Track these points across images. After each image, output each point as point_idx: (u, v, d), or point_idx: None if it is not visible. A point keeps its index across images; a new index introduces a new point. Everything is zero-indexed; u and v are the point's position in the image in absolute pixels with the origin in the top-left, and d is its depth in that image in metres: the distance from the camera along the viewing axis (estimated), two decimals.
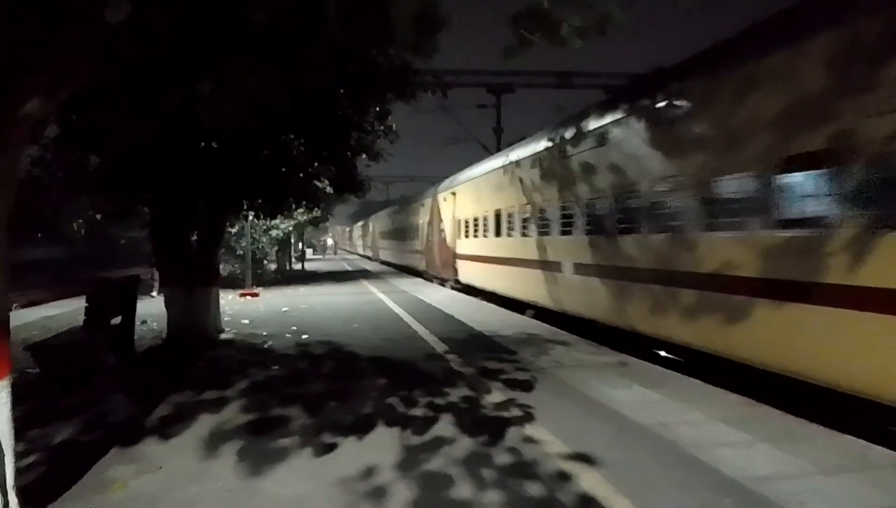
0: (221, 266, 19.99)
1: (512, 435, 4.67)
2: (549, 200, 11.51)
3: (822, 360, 5.49)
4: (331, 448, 4.48)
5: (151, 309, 11.32)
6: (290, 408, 5.46)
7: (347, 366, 7.38)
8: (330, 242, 70.76)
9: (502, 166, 14.36)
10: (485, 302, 14.44)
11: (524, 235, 12.82)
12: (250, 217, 14.70)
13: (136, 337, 8.39)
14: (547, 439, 4.57)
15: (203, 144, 7.97)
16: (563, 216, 10.80)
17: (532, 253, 12.25)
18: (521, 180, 13.02)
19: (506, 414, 5.22)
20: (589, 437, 4.58)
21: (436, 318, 11.52)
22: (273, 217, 12.86)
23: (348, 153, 9.28)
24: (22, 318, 11.61)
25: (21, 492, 3.27)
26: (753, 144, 6.26)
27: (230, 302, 14.47)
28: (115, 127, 6.22)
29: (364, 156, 9.83)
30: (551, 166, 11.44)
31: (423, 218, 24.43)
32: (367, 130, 9.27)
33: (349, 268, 34.13)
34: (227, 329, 10.07)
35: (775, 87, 6.02)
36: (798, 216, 5.80)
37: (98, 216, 10.27)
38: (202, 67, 4.95)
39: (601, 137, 9.42)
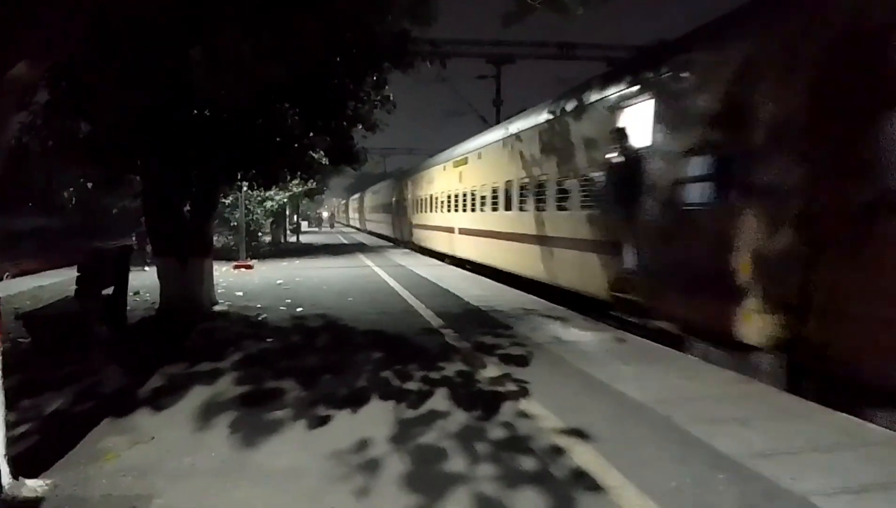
0: (215, 238, 19.94)
1: (506, 410, 4.66)
2: (483, 184, 15.64)
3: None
4: (325, 420, 4.46)
5: (145, 280, 11.25)
6: (283, 381, 5.43)
7: (342, 339, 7.35)
8: (325, 214, 69.55)
9: (458, 157, 18.31)
10: (482, 277, 14.41)
11: (474, 210, 16.58)
12: (244, 188, 14.56)
13: (128, 308, 8.34)
14: (541, 413, 4.56)
15: (196, 112, 7.83)
16: (494, 197, 14.83)
17: (481, 225, 15.98)
18: (476, 168, 16.61)
19: (501, 389, 5.21)
20: (584, 412, 4.57)
21: (432, 292, 11.49)
22: (268, 188, 12.76)
23: (344, 123, 9.12)
24: (14, 287, 11.56)
25: (12, 462, 3.25)
26: None
27: (224, 274, 14.41)
28: (105, 94, 6.10)
29: (360, 126, 9.68)
30: (492, 158, 15.24)
31: (402, 195, 28.87)
32: (363, 100, 9.11)
33: (345, 241, 34.05)
34: (220, 301, 10.02)
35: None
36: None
37: (89, 185, 10.08)
38: (194, 33, 4.84)
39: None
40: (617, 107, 8.74)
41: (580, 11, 3.63)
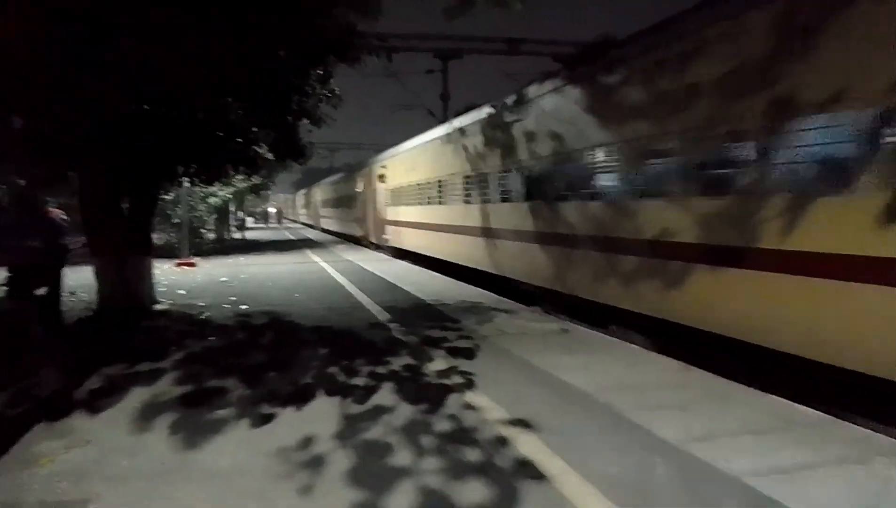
0: (156, 235, 19.35)
1: (453, 402, 4.70)
2: (432, 178, 16.18)
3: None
4: (269, 418, 4.40)
5: (82, 280, 10.83)
6: (227, 379, 5.33)
7: (288, 336, 7.26)
8: (272, 210, 67.49)
9: (413, 148, 18.41)
10: (430, 271, 14.43)
11: (429, 204, 16.56)
12: (185, 183, 14.16)
13: (66, 309, 8.01)
14: (487, 405, 4.61)
15: (134, 106, 7.56)
16: (443, 191, 15.16)
17: (434, 219, 15.96)
18: (426, 161, 16.84)
19: (447, 382, 5.24)
20: (528, 403, 4.65)
21: (380, 287, 11.45)
22: (210, 184, 12.43)
23: (289, 118, 8.98)
24: None
25: None
26: None
27: (166, 272, 14.01)
28: (40, 87, 5.84)
29: (306, 121, 9.54)
30: (435, 154, 15.83)
31: (359, 188, 26.88)
32: (308, 94, 8.98)
33: (292, 237, 33.55)
34: (162, 300, 9.73)
35: None
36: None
37: (22, 183, 9.62)
38: (138, 27, 4.68)
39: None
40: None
41: (518, 6, 3.67)
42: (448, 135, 14.55)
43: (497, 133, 11.74)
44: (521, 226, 10.58)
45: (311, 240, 30.02)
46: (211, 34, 5.58)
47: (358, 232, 27.15)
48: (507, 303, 9.54)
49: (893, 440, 3.86)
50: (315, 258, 18.40)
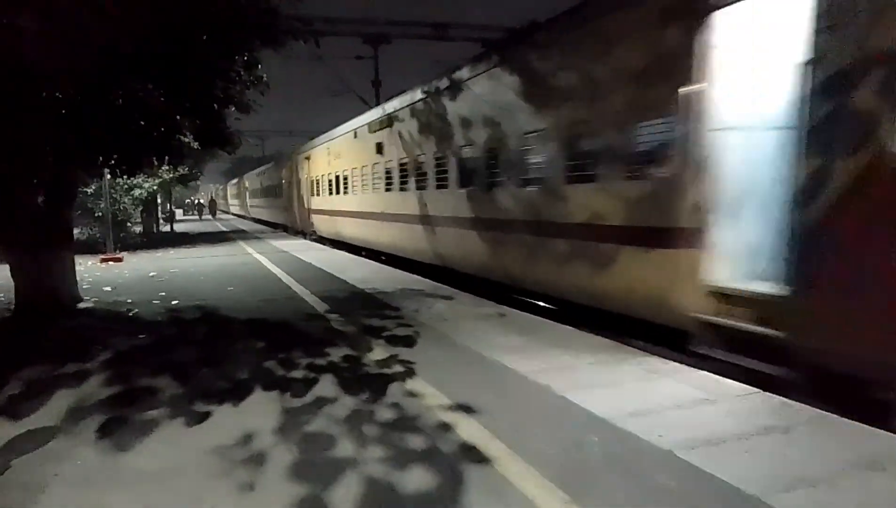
0: (79, 230, 18.43)
1: (394, 391, 4.69)
2: (344, 170, 18.25)
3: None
4: (204, 416, 4.27)
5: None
6: (158, 378, 5.13)
7: (221, 331, 7.06)
8: (205, 200, 64.28)
9: (327, 141, 20.29)
10: (367, 260, 14.33)
11: (345, 193, 18.36)
12: (107, 175, 13.51)
13: None
14: (428, 392, 4.62)
15: (42, 90, 7.11)
16: (360, 181, 16.76)
17: (350, 207, 17.71)
18: (344, 153, 18.48)
19: (388, 371, 5.22)
20: (469, 387, 4.68)
21: (316, 277, 11.28)
22: (132, 175, 11.88)
23: (214, 105, 8.64)
24: None
25: None
26: None
27: (90, 268, 13.38)
28: None
29: (232, 108, 9.21)
30: (346, 148, 17.97)
31: (284, 178, 28.86)
32: (234, 80, 8.67)
33: (224, 229, 32.62)
34: (86, 298, 9.29)
35: None
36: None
37: None
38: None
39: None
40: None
41: None
42: (355, 131, 17.20)
43: (375, 139, 15.16)
44: (398, 210, 13.78)
45: (243, 231, 29.27)
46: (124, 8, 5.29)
47: (284, 221, 28.53)
48: (444, 289, 9.57)
49: (812, 408, 4.08)
50: (249, 250, 17.96)
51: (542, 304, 8.73)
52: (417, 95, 12.33)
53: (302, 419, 4.16)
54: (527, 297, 8.97)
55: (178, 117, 8.21)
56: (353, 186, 17.62)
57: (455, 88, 10.66)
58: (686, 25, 5.72)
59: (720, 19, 5.49)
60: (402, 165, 13.39)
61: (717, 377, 4.86)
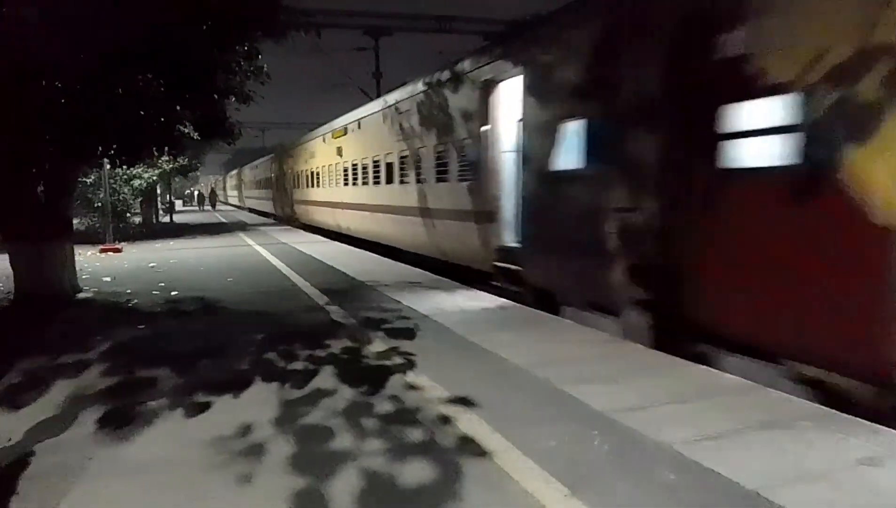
0: (78, 220, 18.40)
1: (393, 383, 4.68)
2: (320, 166, 21.66)
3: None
4: (204, 407, 4.27)
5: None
6: (158, 369, 5.13)
7: (221, 322, 7.06)
8: (205, 191, 63.46)
9: (306, 142, 23.83)
10: (368, 253, 14.32)
11: (319, 187, 22.22)
12: (106, 165, 13.48)
13: None
14: (428, 384, 4.62)
15: (44, 81, 7.08)
16: (327, 178, 20.73)
17: (328, 198, 20.88)
18: (317, 153, 22.38)
19: (387, 363, 5.22)
20: (468, 380, 4.68)
21: (316, 269, 11.27)
22: (131, 165, 11.84)
23: (215, 95, 8.61)
24: None
25: None
26: None
27: (89, 259, 13.38)
28: None
29: (233, 99, 9.19)
30: (322, 148, 21.30)
31: (274, 172, 32.90)
32: (234, 71, 8.64)
33: (224, 220, 32.60)
34: (86, 288, 9.29)
35: None
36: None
37: None
38: None
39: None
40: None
41: None
42: (323, 136, 21.23)
43: (336, 144, 19.25)
44: (352, 201, 17.94)
45: (243, 222, 29.26)
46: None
47: (273, 210, 33.00)
48: (444, 282, 9.57)
49: (813, 404, 4.08)
50: (249, 241, 17.95)
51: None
52: (353, 116, 17.64)
53: (301, 410, 4.15)
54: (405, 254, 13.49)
55: (178, 108, 8.19)
56: (322, 182, 21.73)
57: (370, 119, 15.89)
58: (485, 91, 9.60)
59: (500, 88, 9.36)
60: (353, 166, 17.61)
61: (714, 370, 4.86)
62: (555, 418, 3.95)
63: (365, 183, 16.34)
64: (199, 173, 44.10)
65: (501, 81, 9.21)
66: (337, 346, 5.79)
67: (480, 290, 8.80)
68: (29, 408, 4.33)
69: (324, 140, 21.09)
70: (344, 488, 3.08)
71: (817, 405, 4.03)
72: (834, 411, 3.93)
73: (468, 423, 3.87)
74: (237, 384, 4.70)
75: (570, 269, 7.50)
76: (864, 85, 4.19)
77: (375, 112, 15.31)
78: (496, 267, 9.32)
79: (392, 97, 14.21)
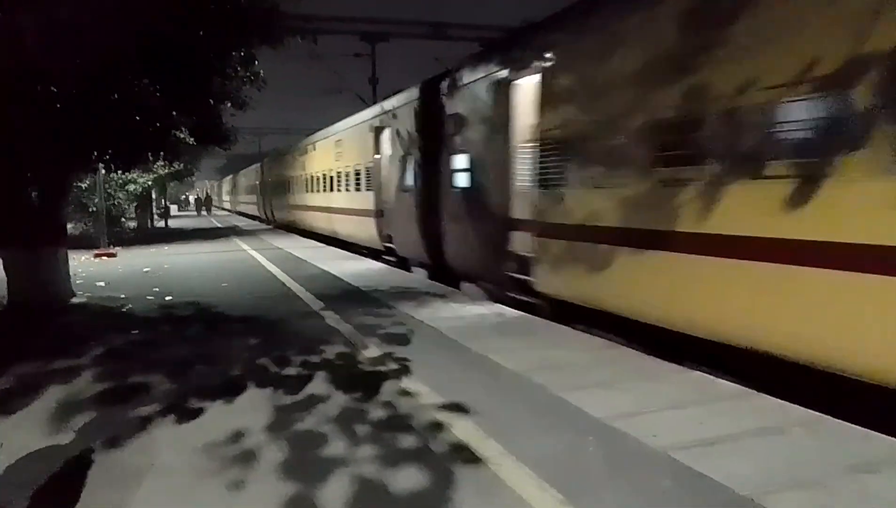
0: (72, 225, 18.35)
1: (388, 389, 4.66)
2: (309, 173, 22.99)
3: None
4: (197, 413, 4.25)
5: None
6: (151, 374, 5.10)
7: (216, 327, 7.03)
8: (202, 196, 63.26)
9: (297, 149, 25.92)
10: (363, 258, 14.31)
11: (291, 193, 26.24)
12: (101, 170, 13.44)
13: None
14: (422, 390, 4.60)
15: (39, 87, 7.06)
16: (296, 185, 24.92)
17: (294, 202, 25.30)
18: (288, 165, 26.82)
19: (382, 369, 5.20)
20: (463, 387, 4.66)
21: (311, 274, 11.25)
22: (127, 170, 11.81)
23: (211, 101, 8.60)
24: None
25: None
26: None
27: (83, 263, 13.33)
28: None
29: (229, 105, 9.18)
30: (302, 158, 23.96)
31: (257, 179, 37.98)
32: (230, 77, 8.63)
33: (218, 225, 32.54)
34: (79, 293, 9.25)
35: None
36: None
37: None
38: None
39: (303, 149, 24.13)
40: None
41: None
42: (292, 153, 26.18)
43: (302, 158, 23.74)
44: (312, 204, 22.10)
45: (238, 227, 29.22)
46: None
47: (258, 213, 37.43)
48: (439, 288, 9.56)
49: (806, 410, 4.08)
50: (243, 246, 17.92)
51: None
52: (311, 140, 22.59)
53: (294, 416, 4.13)
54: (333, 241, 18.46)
55: (173, 113, 8.17)
56: (293, 188, 25.83)
57: (322, 143, 20.65)
58: (376, 131, 14.55)
59: (381, 131, 14.30)
60: (313, 177, 21.88)
61: (709, 377, 4.86)
62: (550, 424, 3.94)
63: (316, 191, 21.32)
64: (194, 179, 44.01)
65: (382, 128, 14.27)
66: (331, 351, 5.77)
67: (475, 296, 8.79)
68: (19, 413, 4.31)
69: (293, 156, 26.01)
70: (336, 495, 3.06)
71: (810, 412, 4.03)
72: (828, 416, 3.93)
73: (462, 429, 3.86)
74: (230, 390, 4.67)
75: (409, 244, 12.55)
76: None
77: (325, 138, 20.39)
78: (385, 246, 14.38)
79: (332, 129, 19.53)
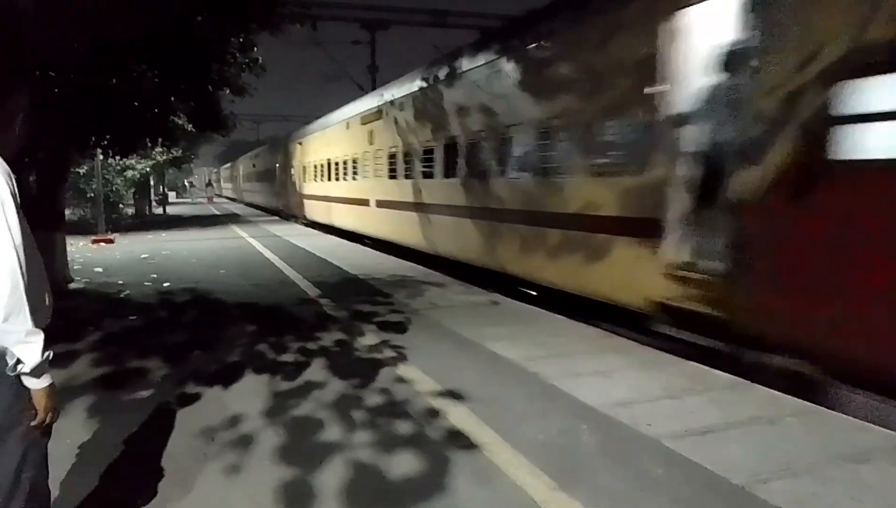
0: (70, 211, 18.32)
1: (384, 376, 4.69)
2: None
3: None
4: (194, 398, 4.27)
5: None
6: (148, 360, 5.12)
7: (213, 314, 7.04)
8: (203, 182, 62.89)
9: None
10: (359, 246, 14.31)
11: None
12: (99, 156, 13.41)
13: None
14: (418, 378, 4.63)
15: (39, 72, 7.02)
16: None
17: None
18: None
19: (378, 356, 5.23)
20: (459, 374, 4.69)
21: (309, 262, 11.26)
22: (125, 156, 11.77)
23: (209, 87, 8.57)
24: None
25: None
26: None
27: (81, 249, 13.34)
28: None
29: (227, 91, 9.14)
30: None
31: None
32: (229, 63, 8.59)
33: (217, 212, 32.49)
34: (77, 279, 9.26)
35: None
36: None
37: None
38: None
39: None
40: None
41: None
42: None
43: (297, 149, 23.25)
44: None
45: (236, 215, 29.17)
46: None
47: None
48: (436, 276, 9.57)
49: (800, 400, 4.10)
50: (241, 233, 17.91)
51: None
52: (295, 135, 24.08)
53: (291, 402, 4.16)
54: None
55: (172, 99, 8.14)
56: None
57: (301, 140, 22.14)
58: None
59: None
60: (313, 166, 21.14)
61: (705, 367, 4.88)
62: (545, 412, 3.97)
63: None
64: (192, 165, 43.88)
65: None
66: (328, 338, 5.79)
67: (472, 285, 8.81)
68: None
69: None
70: (332, 480, 3.09)
71: (804, 402, 4.06)
72: (821, 407, 3.96)
73: (458, 416, 3.88)
74: (227, 376, 4.70)
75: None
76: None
77: (304, 137, 21.12)
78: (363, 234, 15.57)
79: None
